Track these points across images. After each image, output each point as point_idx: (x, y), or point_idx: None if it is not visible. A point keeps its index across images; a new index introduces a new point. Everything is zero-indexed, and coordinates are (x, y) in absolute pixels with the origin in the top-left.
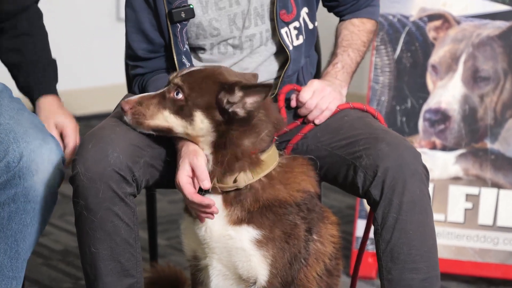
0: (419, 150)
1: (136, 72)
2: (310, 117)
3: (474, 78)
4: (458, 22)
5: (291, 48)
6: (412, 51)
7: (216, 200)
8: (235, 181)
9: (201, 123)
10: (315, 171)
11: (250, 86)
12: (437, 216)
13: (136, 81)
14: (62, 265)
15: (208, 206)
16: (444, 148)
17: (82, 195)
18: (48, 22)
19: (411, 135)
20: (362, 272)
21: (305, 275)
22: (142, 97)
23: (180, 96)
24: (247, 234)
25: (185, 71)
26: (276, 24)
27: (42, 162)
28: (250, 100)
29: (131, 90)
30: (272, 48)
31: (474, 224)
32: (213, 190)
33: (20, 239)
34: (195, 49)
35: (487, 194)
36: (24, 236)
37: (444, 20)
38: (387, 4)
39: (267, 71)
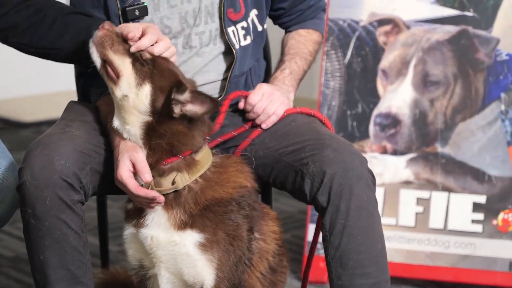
0: (369, 154)
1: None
2: (257, 121)
3: (424, 82)
4: (408, 27)
5: (237, 47)
6: (362, 56)
7: (157, 207)
8: (173, 183)
9: (145, 97)
10: (249, 167)
11: (199, 94)
12: (388, 220)
13: (79, 86)
14: (13, 272)
15: (153, 198)
16: (395, 152)
17: (29, 204)
18: None
19: (362, 139)
20: (314, 276)
21: (249, 276)
22: (123, 34)
23: (147, 65)
24: (191, 239)
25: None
26: (223, 22)
27: (8, 193)
28: (191, 107)
29: (79, 95)
30: (221, 47)
31: (425, 228)
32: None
33: None
34: None
35: (438, 198)
36: None
37: (394, 24)
38: (337, 9)
39: (216, 71)
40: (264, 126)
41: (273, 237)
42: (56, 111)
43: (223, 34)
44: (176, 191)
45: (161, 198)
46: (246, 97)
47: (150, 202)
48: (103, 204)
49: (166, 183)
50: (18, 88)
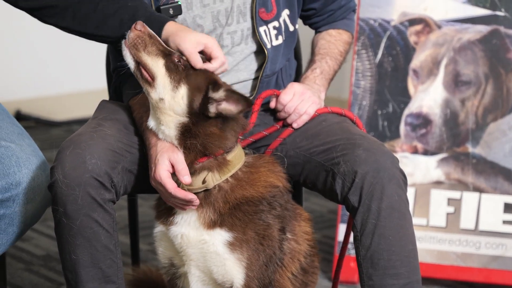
0: (400, 154)
1: (114, 66)
2: (289, 120)
3: (455, 82)
4: (439, 27)
5: (269, 46)
6: (393, 56)
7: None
8: (203, 182)
9: (181, 99)
10: (281, 167)
11: (235, 93)
12: (419, 221)
13: (113, 82)
14: (44, 270)
15: (190, 200)
16: (426, 153)
17: (60, 202)
18: (29, 27)
19: (392, 139)
20: (344, 276)
21: (280, 276)
22: (157, 38)
23: (181, 65)
24: (220, 237)
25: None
26: (254, 21)
27: (39, 192)
28: (226, 106)
29: (110, 94)
30: (252, 47)
31: (456, 228)
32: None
33: None
34: None
35: (469, 198)
36: None
37: (425, 24)
38: (368, 8)
39: (247, 70)
40: (295, 125)
41: (305, 237)
42: (87, 110)
43: (255, 33)
44: (206, 190)
45: (197, 201)
46: (277, 96)
47: (185, 204)
48: (134, 203)
49: (197, 182)
50: (49, 87)
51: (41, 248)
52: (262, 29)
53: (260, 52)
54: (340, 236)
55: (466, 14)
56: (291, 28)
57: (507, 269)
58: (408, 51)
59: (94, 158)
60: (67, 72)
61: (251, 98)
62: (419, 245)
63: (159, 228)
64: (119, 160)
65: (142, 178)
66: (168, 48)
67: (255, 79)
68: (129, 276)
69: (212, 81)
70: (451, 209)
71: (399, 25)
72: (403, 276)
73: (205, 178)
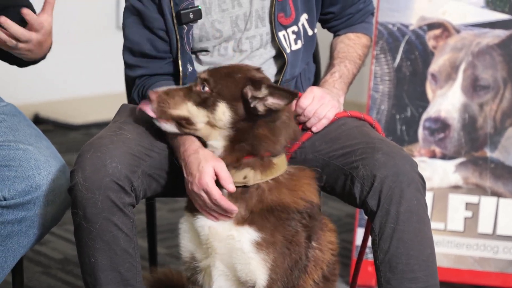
0: (418, 158)
1: (136, 74)
2: (308, 124)
3: (473, 86)
4: (457, 31)
5: (288, 51)
6: (411, 60)
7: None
8: (244, 177)
9: (223, 115)
10: (318, 184)
11: (277, 88)
12: (436, 225)
13: (136, 86)
14: (61, 274)
15: (230, 211)
16: (444, 157)
17: (80, 206)
18: None
19: (410, 143)
20: (362, 280)
21: (303, 282)
22: (169, 88)
23: (206, 89)
24: (248, 236)
25: (212, 67)
26: (273, 26)
27: (59, 194)
28: (272, 100)
29: (130, 97)
30: (271, 51)
31: (474, 233)
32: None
33: (10, 257)
34: (196, 52)
35: (487, 203)
36: (15, 255)
37: (443, 29)
38: (387, 12)
39: (266, 74)
40: (314, 129)
41: (329, 247)
42: (105, 113)
43: (274, 38)
44: (244, 187)
45: (235, 212)
46: (297, 100)
47: (222, 214)
48: (152, 207)
49: (238, 177)
50: (67, 90)
51: (59, 252)
52: (281, 34)
53: (279, 56)
54: (358, 240)
55: (485, 18)
56: (310, 33)
57: None
58: (427, 56)
59: (115, 161)
60: (85, 75)
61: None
62: (437, 249)
63: (185, 218)
64: (139, 164)
65: (162, 182)
66: (185, 85)
67: (274, 83)
68: (148, 277)
69: (249, 82)
70: (469, 214)
71: (418, 29)
72: (421, 280)
73: (246, 174)
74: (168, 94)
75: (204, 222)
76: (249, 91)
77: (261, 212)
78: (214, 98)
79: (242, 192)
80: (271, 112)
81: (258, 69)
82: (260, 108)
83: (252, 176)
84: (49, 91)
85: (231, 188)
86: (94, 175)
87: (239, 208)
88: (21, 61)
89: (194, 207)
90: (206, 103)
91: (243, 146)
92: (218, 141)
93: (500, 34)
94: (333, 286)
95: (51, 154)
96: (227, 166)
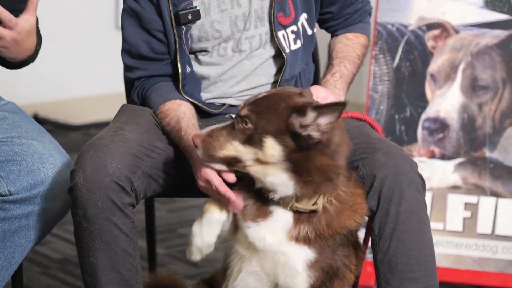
0: (417, 158)
1: (135, 76)
2: None
3: (472, 87)
4: (456, 31)
5: (287, 51)
6: (411, 60)
7: (286, 216)
8: (314, 204)
9: (273, 150)
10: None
11: (323, 106)
12: (435, 225)
13: (135, 88)
14: (61, 274)
15: (229, 198)
16: (443, 157)
17: (81, 206)
18: (46, 31)
19: (410, 143)
20: (361, 280)
21: None
22: (212, 129)
23: (249, 125)
24: (304, 255)
25: (250, 100)
26: (273, 26)
27: (65, 187)
28: (324, 121)
29: (129, 98)
30: (271, 51)
31: (473, 233)
32: (286, 206)
33: (17, 252)
34: (195, 53)
35: (486, 203)
36: (23, 250)
37: (442, 29)
38: (386, 13)
39: (265, 74)
40: None
41: (353, 268)
42: (104, 114)
43: (273, 38)
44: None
45: (238, 207)
46: None
47: (230, 205)
48: (151, 207)
49: (308, 203)
50: (67, 91)
51: (58, 252)
52: (280, 33)
53: (278, 56)
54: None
55: (484, 18)
56: (309, 32)
57: None
58: (426, 56)
59: (115, 162)
60: (85, 75)
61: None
62: (436, 250)
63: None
64: (139, 164)
65: (162, 182)
66: (225, 123)
67: (274, 83)
68: (146, 279)
69: (292, 110)
70: (468, 214)
71: (417, 29)
72: (421, 280)
73: (316, 200)
74: (211, 136)
75: (259, 232)
76: (295, 121)
77: (326, 236)
78: (259, 134)
79: (310, 215)
80: (329, 136)
81: (300, 93)
82: (315, 134)
83: (321, 201)
84: (48, 91)
85: (230, 178)
86: (95, 175)
87: (304, 228)
88: (8, 63)
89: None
90: (252, 140)
91: (314, 179)
92: (277, 177)
93: (499, 34)
94: None
95: (55, 148)
96: (303, 198)
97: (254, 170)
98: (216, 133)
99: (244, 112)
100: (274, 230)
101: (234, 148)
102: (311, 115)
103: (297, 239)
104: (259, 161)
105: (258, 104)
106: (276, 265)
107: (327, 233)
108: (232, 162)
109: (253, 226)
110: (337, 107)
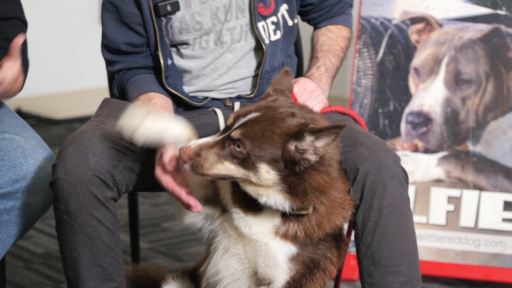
0: (401, 152)
1: (114, 69)
2: None
3: (456, 80)
4: (440, 25)
5: (267, 42)
6: (394, 54)
7: (275, 213)
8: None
9: (267, 174)
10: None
11: (321, 130)
12: (419, 218)
13: (115, 81)
14: (44, 269)
15: (188, 206)
16: (426, 151)
17: (62, 200)
18: (30, 25)
19: (393, 137)
20: (344, 274)
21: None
22: (201, 146)
23: (242, 149)
24: (287, 250)
25: (242, 120)
26: (253, 17)
27: (47, 182)
28: (321, 144)
29: (111, 92)
30: (252, 43)
31: (456, 226)
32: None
33: (0, 247)
34: (177, 46)
35: (469, 196)
36: (5, 245)
37: (426, 23)
38: (370, 7)
39: (247, 67)
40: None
41: (335, 260)
42: (87, 108)
43: (253, 29)
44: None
45: (194, 209)
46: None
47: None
48: (134, 201)
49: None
50: (50, 85)
51: (41, 247)
52: (260, 24)
53: (259, 48)
54: None
55: (467, 12)
56: (290, 23)
57: (507, 266)
58: (409, 50)
59: (97, 156)
60: (68, 70)
61: (251, 95)
62: (419, 243)
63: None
64: (121, 158)
65: (144, 176)
66: (214, 139)
67: (256, 76)
68: (129, 273)
69: (289, 137)
70: (451, 207)
71: (401, 23)
72: (403, 273)
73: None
74: (200, 155)
75: (243, 220)
76: (292, 147)
77: (317, 236)
78: (253, 160)
79: (299, 216)
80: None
81: (293, 113)
82: (312, 157)
83: (311, 206)
84: (31, 85)
85: (169, 167)
86: (76, 170)
87: (293, 227)
88: None
89: (243, 204)
90: (245, 163)
91: (311, 199)
92: (271, 197)
93: (483, 28)
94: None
95: (38, 143)
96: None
97: (248, 188)
98: (205, 151)
99: (236, 135)
100: (261, 224)
101: (225, 168)
102: (308, 139)
103: (284, 236)
104: (253, 183)
105: (251, 128)
106: (257, 253)
107: (317, 234)
108: (226, 179)
109: (241, 214)
110: (335, 130)
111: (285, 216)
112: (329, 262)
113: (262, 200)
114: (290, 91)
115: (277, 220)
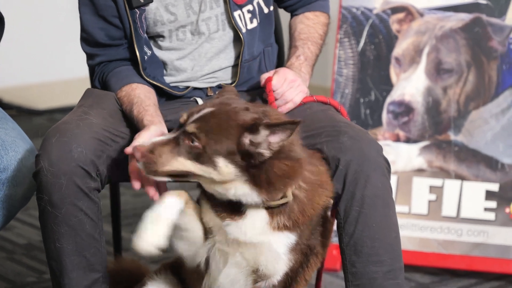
0: (383, 142)
1: (94, 62)
2: (273, 105)
3: (437, 70)
4: (421, 15)
5: (244, 31)
6: (375, 44)
7: (260, 213)
8: (283, 197)
9: (226, 168)
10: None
11: (276, 125)
12: (401, 208)
13: (96, 73)
14: (26, 259)
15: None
16: (408, 140)
17: (46, 191)
18: (10, 16)
19: (375, 127)
20: (326, 264)
21: (303, 275)
22: (154, 144)
23: (197, 144)
24: (286, 240)
25: (196, 115)
26: (228, 6)
27: (28, 174)
28: (275, 139)
29: (92, 84)
30: (230, 32)
31: (438, 216)
32: (257, 207)
33: None
34: (154, 37)
35: (451, 186)
36: None
37: (407, 12)
38: None
39: (227, 57)
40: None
41: (325, 242)
42: (69, 98)
43: (230, 19)
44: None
45: (155, 196)
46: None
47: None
48: (116, 192)
49: (278, 199)
50: (31, 75)
51: (24, 237)
52: (236, 13)
53: (238, 38)
54: None
55: (448, 2)
56: (266, 10)
57: (489, 256)
58: (391, 39)
59: (80, 146)
60: (49, 60)
61: (233, 85)
62: (401, 233)
63: (212, 217)
64: (104, 149)
65: (126, 167)
66: (167, 137)
67: (236, 65)
68: (110, 265)
69: (243, 129)
70: (433, 197)
71: (382, 13)
72: (386, 263)
73: (286, 194)
74: (153, 152)
75: (237, 229)
76: (246, 140)
77: (305, 222)
78: (210, 154)
79: (283, 206)
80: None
81: (247, 108)
82: (266, 152)
83: (290, 193)
84: (12, 76)
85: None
86: (60, 160)
87: (281, 218)
88: None
89: (224, 209)
90: (202, 159)
91: (279, 187)
92: (238, 189)
93: (464, 17)
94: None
95: (18, 135)
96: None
97: (215, 188)
98: (158, 148)
99: (191, 129)
100: (254, 226)
101: (181, 164)
102: (263, 133)
103: (279, 228)
104: (215, 179)
105: (206, 122)
106: (259, 253)
107: (302, 220)
108: (185, 176)
109: (232, 223)
110: (290, 126)
111: (270, 212)
112: (320, 245)
113: (231, 193)
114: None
115: (265, 217)
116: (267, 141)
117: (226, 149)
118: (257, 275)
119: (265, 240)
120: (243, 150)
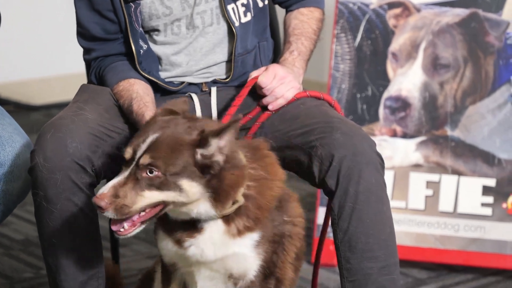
0: (379, 137)
1: (91, 57)
2: (264, 102)
3: (434, 65)
4: (418, 10)
5: (237, 24)
6: (372, 39)
7: (217, 223)
8: (235, 202)
9: (192, 188)
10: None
11: (220, 130)
12: (397, 203)
13: (92, 68)
14: (23, 255)
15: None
16: (405, 136)
17: (41, 186)
18: (7, 12)
19: (371, 122)
20: (323, 259)
21: (282, 262)
22: (114, 186)
23: (156, 173)
24: (250, 242)
25: (143, 146)
26: (222, 0)
27: (25, 169)
28: (224, 143)
29: (88, 79)
30: (224, 26)
31: (435, 211)
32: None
33: None
34: (149, 32)
35: (448, 181)
36: None
37: (404, 7)
38: None
39: (222, 52)
40: (270, 107)
41: (299, 220)
42: (66, 94)
43: (224, 12)
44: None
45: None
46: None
47: None
48: None
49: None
50: (28, 71)
51: (20, 233)
52: (230, 7)
53: (232, 31)
54: (320, 219)
55: None
56: (261, 4)
57: (486, 251)
58: (387, 35)
59: (75, 142)
60: (46, 56)
61: (227, 80)
62: (398, 228)
63: (170, 247)
64: (99, 144)
65: (122, 162)
66: (119, 176)
67: (230, 61)
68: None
69: (195, 146)
70: (429, 192)
71: (378, 8)
72: (380, 259)
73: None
74: (118, 195)
75: (197, 251)
76: (199, 156)
77: (265, 215)
78: (172, 179)
79: (237, 210)
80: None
81: (190, 119)
82: (220, 158)
83: (240, 196)
84: (9, 72)
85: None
86: (55, 156)
87: (240, 222)
88: None
89: (174, 231)
90: (165, 185)
91: (233, 196)
92: (201, 207)
93: (460, 13)
94: (301, 263)
95: (15, 130)
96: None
97: (180, 211)
98: (120, 190)
99: (146, 160)
100: (214, 240)
101: (148, 197)
102: (213, 142)
103: (238, 234)
104: (184, 202)
105: (157, 149)
106: (226, 262)
107: (261, 215)
108: (157, 206)
109: (193, 242)
110: (233, 124)
111: (225, 219)
112: (291, 225)
113: (194, 212)
114: (183, 112)
115: (221, 226)
116: (218, 148)
117: (185, 169)
118: (233, 278)
119: (228, 251)
120: (200, 165)
